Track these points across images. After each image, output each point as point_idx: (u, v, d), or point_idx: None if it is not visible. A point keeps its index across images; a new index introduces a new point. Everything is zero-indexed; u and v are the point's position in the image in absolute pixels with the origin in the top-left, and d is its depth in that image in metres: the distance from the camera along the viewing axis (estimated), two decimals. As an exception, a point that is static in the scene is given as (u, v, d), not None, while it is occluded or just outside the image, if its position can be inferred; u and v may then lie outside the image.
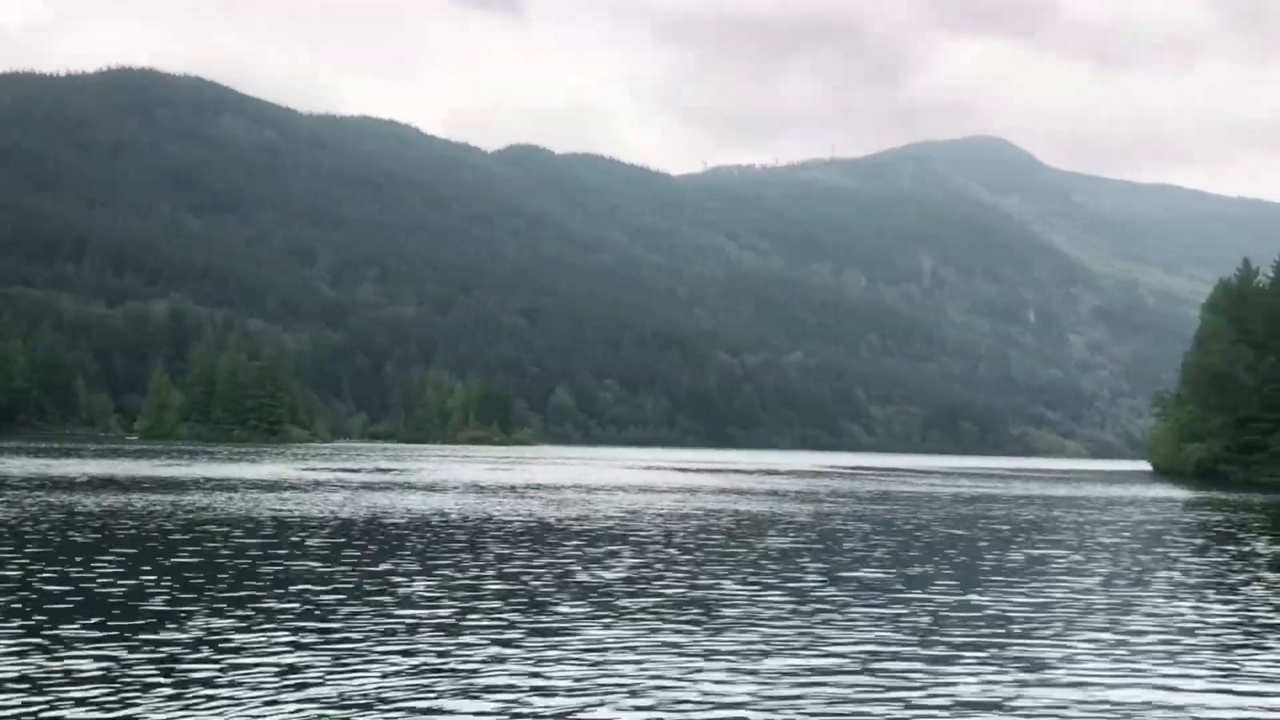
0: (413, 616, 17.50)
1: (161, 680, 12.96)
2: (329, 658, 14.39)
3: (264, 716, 11.65)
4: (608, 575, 23.47)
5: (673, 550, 29.12)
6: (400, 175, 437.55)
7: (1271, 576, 26.65)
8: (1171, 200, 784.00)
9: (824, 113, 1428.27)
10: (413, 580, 21.61)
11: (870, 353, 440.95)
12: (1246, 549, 34.14)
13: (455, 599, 19.45)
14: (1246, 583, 25.31)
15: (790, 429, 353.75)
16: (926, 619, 18.61)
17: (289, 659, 14.37)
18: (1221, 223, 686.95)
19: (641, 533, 34.07)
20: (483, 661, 14.60)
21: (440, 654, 14.80)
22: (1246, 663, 15.61)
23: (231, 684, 12.89)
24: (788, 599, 20.67)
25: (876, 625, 17.96)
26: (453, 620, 17.31)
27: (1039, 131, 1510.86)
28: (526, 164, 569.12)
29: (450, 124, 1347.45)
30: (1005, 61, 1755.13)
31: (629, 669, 14.36)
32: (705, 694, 13.19)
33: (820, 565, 26.49)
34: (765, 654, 15.43)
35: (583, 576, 23.19)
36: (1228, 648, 17.07)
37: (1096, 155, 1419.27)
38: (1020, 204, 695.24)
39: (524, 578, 22.73)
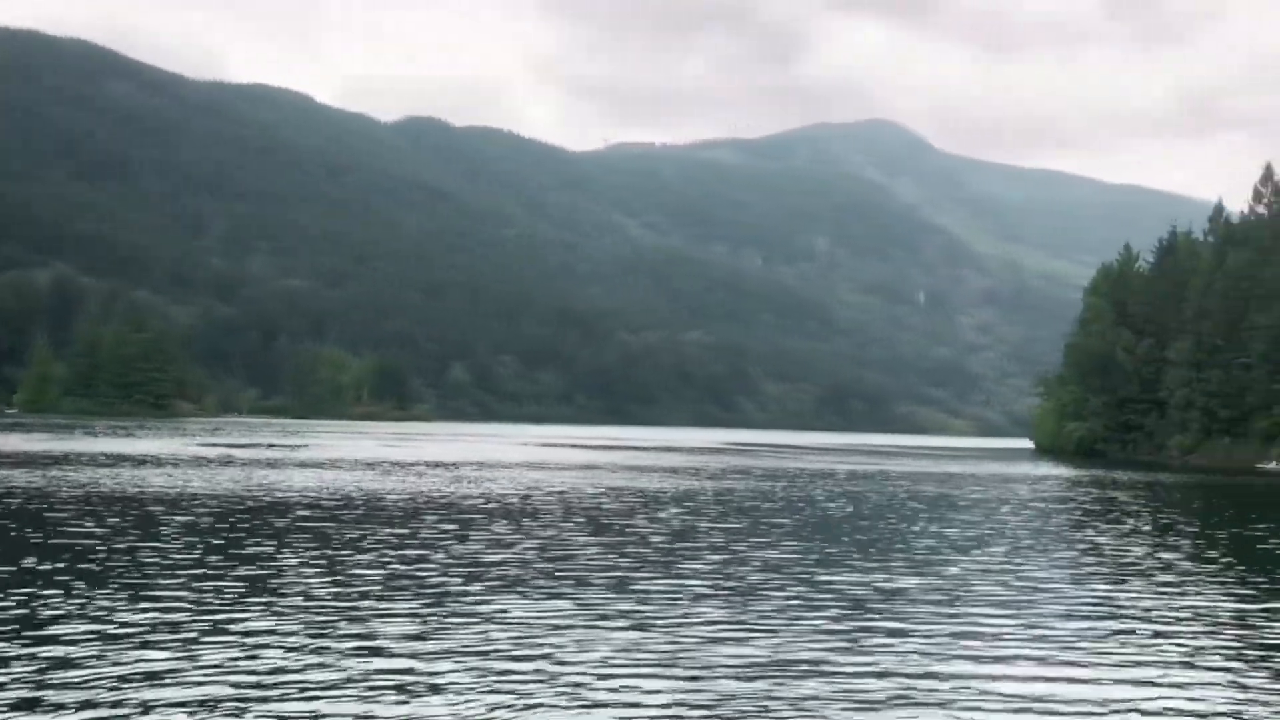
0: (299, 600, 17.24)
1: (16, 675, 12.18)
2: (210, 647, 13.95)
3: (134, 715, 11.04)
4: (506, 554, 23.63)
5: (573, 528, 29.39)
6: (294, 145, 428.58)
7: (1163, 555, 27.87)
8: (1057, 186, 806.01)
9: (720, 92, 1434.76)
10: (300, 562, 21.36)
11: (766, 331, 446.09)
12: (1130, 526, 35.62)
13: (343, 581, 19.44)
14: (1138, 561, 26.46)
15: (687, 406, 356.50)
16: (833, 598, 18.96)
17: (163, 650, 14.25)
18: (1104, 209, 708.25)
19: (541, 510, 34.29)
20: (369, 644, 14.69)
21: (323, 638, 14.58)
22: (1144, 643, 16.38)
23: (95, 678, 12.16)
24: (692, 578, 21.08)
25: (784, 604, 18.35)
26: (337, 604, 17.23)
27: (930, 115, 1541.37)
28: (424, 136, 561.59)
29: (344, 94, 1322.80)
30: (897, 45, 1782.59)
31: (530, 648, 14.60)
32: (608, 675, 13.49)
33: (724, 544, 26.97)
34: (671, 634, 15.76)
35: (480, 555, 23.32)
36: (1123, 629, 17.90)
37: (985, 140, 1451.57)
38: (912, 186, 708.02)
39: (415, 556, 22.79)
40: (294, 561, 20.95)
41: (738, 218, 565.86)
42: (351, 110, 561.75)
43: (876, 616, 17.14)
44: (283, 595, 17.40)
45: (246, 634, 14.55)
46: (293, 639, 14.35)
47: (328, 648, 13.92)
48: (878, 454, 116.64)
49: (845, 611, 17.50)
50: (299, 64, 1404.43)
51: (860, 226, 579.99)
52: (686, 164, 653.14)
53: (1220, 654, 15.30)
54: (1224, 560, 26.28)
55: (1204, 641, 16.11)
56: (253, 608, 16.27)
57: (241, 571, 19.55)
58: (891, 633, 15.89)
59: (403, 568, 20.72)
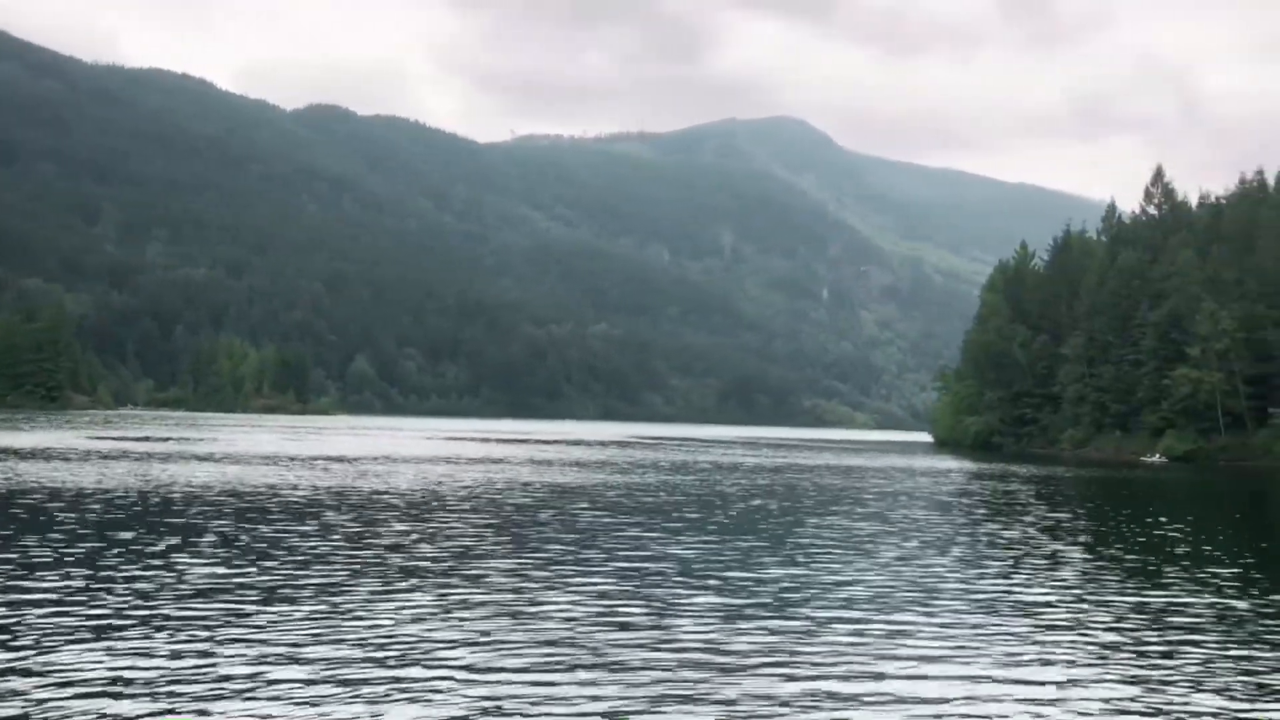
0: (191, 599, 17.01)
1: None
2: (92, 648, 13.71)
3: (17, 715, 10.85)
4: (404, 551, 23.42)
5: (477, 524, 29.23)
6: (193, 131, 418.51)
7: (1048, 547, 28.57)
8: (957, 184, 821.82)
9: (624, 86, 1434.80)
10: (192, 560, 20.96)
11: (672, 325, 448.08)
12: (1021, 519, 36.48)
13: (236, 579, 19.14)
14: (1026, 553, 27.10)
15: (593, 400, 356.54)
16: (748, 593, 19.14)
17: (48, 652, 13.92)
18: (1002, 207, 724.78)
19: (443, 506, 34.04)
20: (259, 641, 14.49)
21: (210, 638, 14.39)
22: (1044, 635, 16.80)
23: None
24: (603, 574, 21.10)
25: (695, 600, 18.46)
26: (226, 602, 16.96)
27: (833, 113, 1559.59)
28: (328, 125, 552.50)
29: (244, 80, 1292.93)
30: (799, 43, 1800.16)
31: (423, 646, 14.52)
32: (519, 671, 13.48)
33: (633, 539, 27.05)
34: (581, 628, 15.78)
35: (378, 552, 23.11)
36: (1018, 622, 18.33)
37: (888, 138, 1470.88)
38: (816, 183, 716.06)
39: (312, 554, 22.51)
40: (186, 560, 20.52)
41: (645, 212, 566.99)
42: (252, 97, 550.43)
43: (787, 612, 17.33)
44: (175, 594, 17.04)
45: (134, 633, 14.23)
46: (183, 636, 14.08)
47: (212, 650, 13.68)
48: (783, 447, 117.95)
49: (755, 607, 17.67)
50: (196, 48, 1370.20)
51: (766, 222, 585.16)
52: (594, 157, 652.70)
53: (1106, 645, 15.79)
54: (1109, 552, 27.11)
55: (1093, 633, 16.62)
56: (141, 608, 15.91)
57: (132, 571, 19.09)
58: (801, 630, 16.09)
59: (298, 567, 20.41)
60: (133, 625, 14.64)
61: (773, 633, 15.48)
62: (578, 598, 17.65)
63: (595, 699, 11.99)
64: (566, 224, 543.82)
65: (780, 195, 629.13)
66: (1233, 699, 12.85)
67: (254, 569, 19.46)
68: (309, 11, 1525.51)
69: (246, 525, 26.17)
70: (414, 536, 25.00)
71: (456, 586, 18.40)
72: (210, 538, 23.61)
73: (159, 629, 14.45)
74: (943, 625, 16.49)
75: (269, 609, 15.94)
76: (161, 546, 21.93)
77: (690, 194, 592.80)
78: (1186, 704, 12.58)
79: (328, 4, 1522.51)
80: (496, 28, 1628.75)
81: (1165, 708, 12.43)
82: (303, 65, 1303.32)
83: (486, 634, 14.81)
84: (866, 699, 12.39)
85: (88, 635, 13.96)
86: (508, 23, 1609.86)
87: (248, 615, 15.46)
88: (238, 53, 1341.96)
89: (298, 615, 15.59)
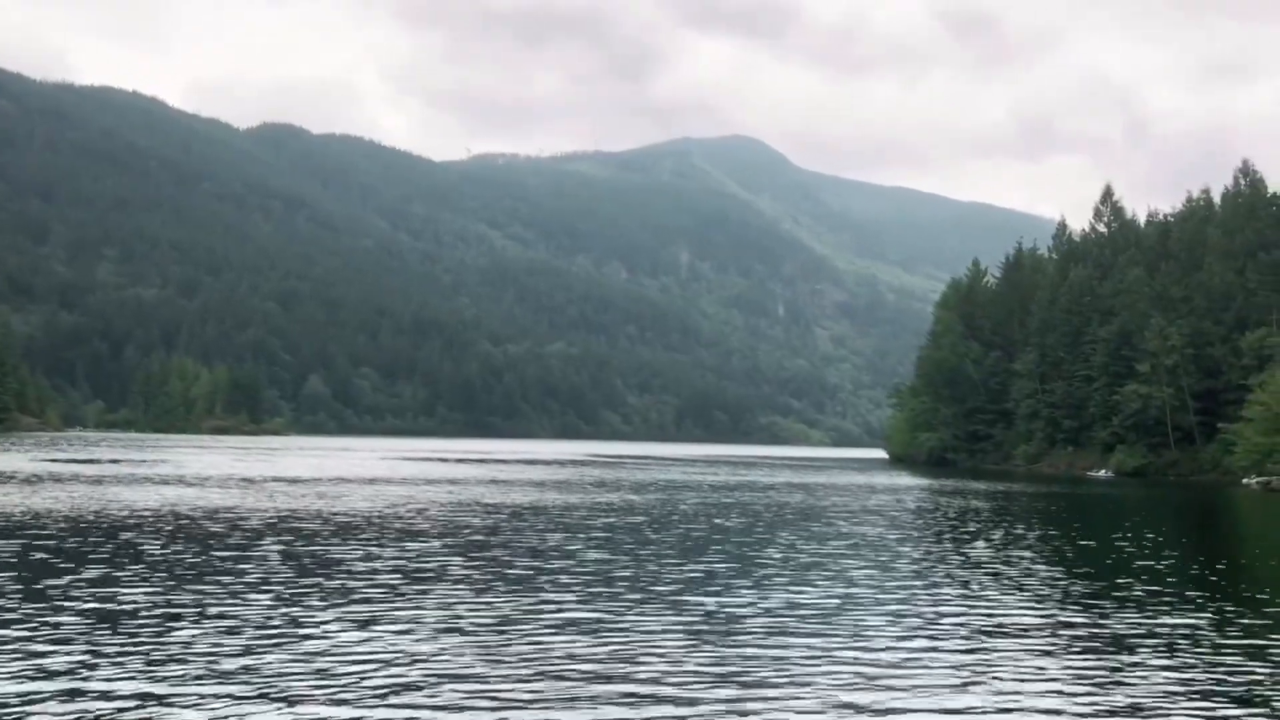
0: (134, 627, 16.81)
1: None
2: (29, 678, 13.65)
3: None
4: (355, 575, 23.26)
5: (430, 546, 29.07)
6: (145, 150, 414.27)
7: (1017, 564, 28.82)
8: (909, 203, 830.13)
9: (577, 106, 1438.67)
10: (138, 587, 20.74)
11: (629, 343, 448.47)
12: (993, 535, 36.80)
13: (176, 604, 18.92)
14: (998, 569, 27.30)
15: (550, 418, 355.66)
16: (713, 615, 19.04)
17: None
18: (954, 225, 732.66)
19: (396, 528, 33.82)
20: (202, 668, 14.34)
21: (150, 663, 14.25)
22: (1009, 656, 16.93)
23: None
24: (566, 596, 21.04)
25: (656, 624, 18.42)
26: (170, 630, 16.80)
27: (787, 132, 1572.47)
28: (281, 143, 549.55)
29: (196, 98, 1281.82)
30: (751, 63, 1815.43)
31: (374, 675, 14.42)
32: (475, 695, 13.42)
33: (595, 560, 26.99)
34: (542, 651, 15.71)
35: (328, 576, 22.92)
36: (978, 641, 18.45)
37: (841, 157, 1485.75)
38: (771, 202, 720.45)
39: (261, 578, 22.29)
40: (125, 584, 20.23)
41: (602, 230, 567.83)
42: (204, 115, 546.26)
43: (752, 634, 17.33)
44: (111, 620, 16.79)
45: (70, 660, 14.03)
46: (118, 662, 13.89)
47: (149, 672, 13.51)
48: (742, 465, 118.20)
49: (719, 629, 17.67)
50: (146, 66, 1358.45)
51: (722, 240, 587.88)
52: (551, 176, 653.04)
53: (1069, 664, 15.94)
54: (1070, 569, 27.39)
55: (1036, 650, 16.77)
56: (85, 635, 15.68)
57: (76, 594, 18.80)
58: (766, 653, 16.11)
59: (241, 591, 20.18)
60: (69, 652, 14.40)
61: (737, 654, 15.48)
62: (538, 621, 17.57)
63: (548, 721, 11.93)
64: (523, 242, 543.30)
65: (736, 213, 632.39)
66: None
67: (194, 593, 19.20)
68: (260, 30, 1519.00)
69: (187, 549, 25.83)
70: (364, 560, 24.79)
71: (410, 612, 18.26)
72: (150, 562, 23.27)
73: (95, 654, 14.24)
74: (906, 644, 16.56)
75: (207, 634, 15.73)
76: (96, 572, 21.53)
77: (647, 212, 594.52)
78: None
79: (278, 23, 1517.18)
80: (449, 47, 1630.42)
81: (1114, 722, 12.56)
82: (254, 83, 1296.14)
83: (441, 659, 14.70)
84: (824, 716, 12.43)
85: (18, 665, 13.73)
86: (460, 42, 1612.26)
87: (182, 640, 15.25)
88: (189, 71, 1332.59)
89: (238, 641, 15.40)
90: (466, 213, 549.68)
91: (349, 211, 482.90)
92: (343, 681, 13.28)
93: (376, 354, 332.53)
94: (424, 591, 20.11)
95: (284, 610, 17.76)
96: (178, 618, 16.87)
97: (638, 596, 20.18)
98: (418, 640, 15.70)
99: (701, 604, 19.53)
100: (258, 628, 16.25)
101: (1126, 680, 14.47)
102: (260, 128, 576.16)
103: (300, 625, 16.55)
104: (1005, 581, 23.82)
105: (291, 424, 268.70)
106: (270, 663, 14.08)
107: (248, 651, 14.66)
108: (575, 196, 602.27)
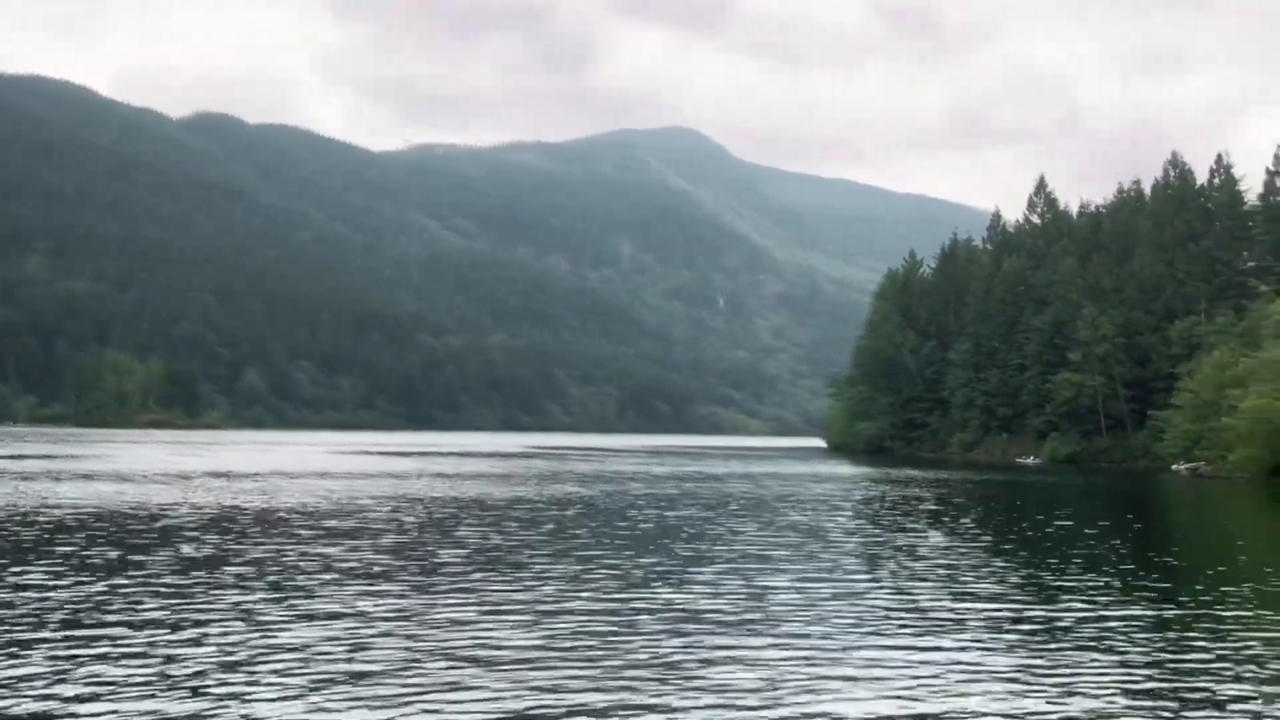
0: (51, 623, 16.65)
1: None
2: None
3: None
4: (286, 571, 23.21)
5: (365, 542, 29.00)
6: (77, 140, 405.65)
7: (956, 551, 29.33)
8: (848, 195, 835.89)
9: (515, 96, 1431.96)
10: (58, 582, 20.52)
11: (572, 335, 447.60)
12: (931, 522, 37.38)
13: (97, 600, 18.82)
14: (937, 557, 27.80)
15: (492, 410, 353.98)
16: (667, 607, 19.20)
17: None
18: (892, 217, 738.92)
19: (328, 523, 33.68)
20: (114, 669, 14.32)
21: (73, 660, 14.20)
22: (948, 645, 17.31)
23: None
24: (513, 591, 21.12)
25: (607, 621, 18.52)
26: (90, 627, 16.68)
27: (727, 124, 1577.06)
28: (217, 133, 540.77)
29: (126, 87, 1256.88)
30: (690, 54, 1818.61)
31: (301, 673, 14.46)
32: (417, 690, 13.52)
33: (545, 554, 27.08)
34: (490, 647, 15.79)
35: (260, 573, 22.86)
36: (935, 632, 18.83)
37: (780, 149, 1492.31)
38: (712, 194, 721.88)
39: (188, 574, 22.18)
40: (46, 582, 20.08)
41: (544, 221, 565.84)
42: (138, 105, 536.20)
43: (706, 625, 17.58)
44: (34, 618, 16.70)
45: None
46: (40, 661, 13.86)
47: (74, 672, 13.49)
48: (685, 455, 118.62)
49: (671, 621, 17.90)
50: (76, 54, 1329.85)
51: (664, 232, 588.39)
52: (492, 166, 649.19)
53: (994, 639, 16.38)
54: (992, 556, 28.00)
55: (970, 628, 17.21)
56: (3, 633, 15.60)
57: None
58: (720, 642, 16.36)
59: (166, 588, 20.11)
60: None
61: (692, 644, 15.70)
62: (485, 616, 17.70)
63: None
64: (464, 234, 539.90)
65: (678, 205, 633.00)
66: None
67: (118, 590, 19.10)
68: (189, 18, 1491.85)
69: (113, 545, 25.61)
70: (297, 556, 24.73)
71: (346, 611, 18.31)
72: (73, 558, 23.06)
73: (20, 651, 14.18)
74: (853, 631, 16.92)
75: (129, 631, 15.67)
76: (19, 569, 21.34)
77: (589, 204, 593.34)
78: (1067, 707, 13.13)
79: (207, 11, 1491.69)
80: (381, 37, 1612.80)
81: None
82: (185, 73, 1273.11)
83: (383, 657, 14.80)
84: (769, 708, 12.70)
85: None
86: (392, 32, 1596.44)
87: (103, 638, 15.21)
88: (117, 60, 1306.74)
89: (163, 639, 15.40)
90: (407, 204, 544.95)
91: (287, 203, 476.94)
92: (268, 674, 13.35)
93: (315, 347, 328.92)
94: (362, 587, 20.14)
95: (210, 607, 17.74)
96: (97, 614, 16.80)
97: (589, 589, 20.37)
98: (355, 633, 15.78)
99: (652, 595, 19.75)
100: (186, 625, 16.23)
101: (1059, 665, 14.92)
102: (194, 118, 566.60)
103: (229, 621, 16.56)
104: (945, 569, 24.33)
105: (228, 418, 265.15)
106: (195, 656, 14.10)
107: (175, 646, 14.67)
108: (517, 187, 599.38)
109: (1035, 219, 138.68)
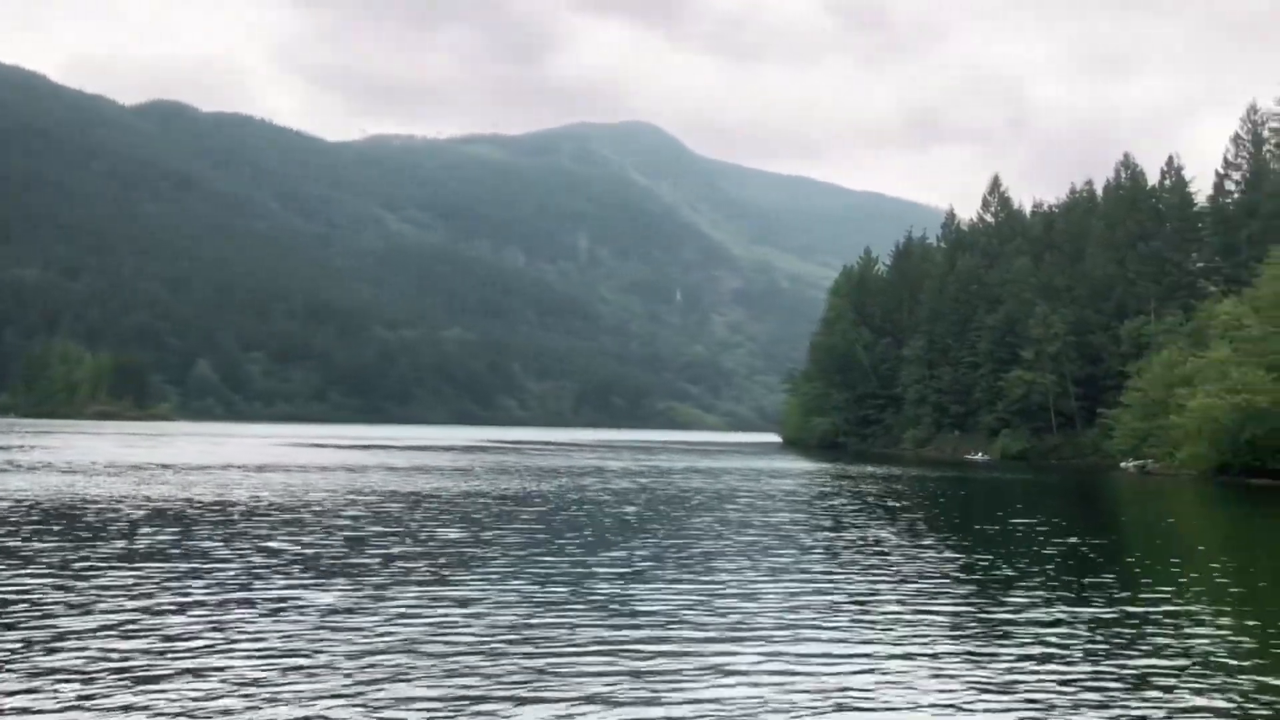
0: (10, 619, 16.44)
1: None
2: None
3: None
4: (226, 569, 22.96)
5: (312, 537, 28.75)
6: (28, 127, 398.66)
7: (904, 547, 29.43)
8: (804, 191, 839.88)
9: (469, 88, 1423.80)
10: (8, 577, 20.21)
11: (528, 328, 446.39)
12: (885, 519, 37.55)
13: (37, 596, 18.51)
14: (889, 553, 27.88)
15: (446, 404, 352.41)
16: (626, 606, 19.13)
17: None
18: (847, 214, 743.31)
19: (277, 518, 33.33)
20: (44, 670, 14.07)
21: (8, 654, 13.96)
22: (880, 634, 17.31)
23: None
24: (471, 589, 20.96)
25: (566, 613, 18.46)
26: (27, 624, 16.45)
27: (684, 119, 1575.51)
28: (169, 121, 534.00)
29: (77, 74, 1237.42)
30: (645, 48, 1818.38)
31: (247, 673, 14.28)
32: (358, 682, 13.37)
33: (503, 551, 26.92)
34: (445, 647, 15.63)
35: (204, 569, 22.58)
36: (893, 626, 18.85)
37: (737, 145, 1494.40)
38: (670, 188, 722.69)
39: (131, 570, 21.89)
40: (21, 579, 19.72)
41: (500, 214, 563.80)
42: (90, 91, 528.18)
43: (664, 622, 17.52)
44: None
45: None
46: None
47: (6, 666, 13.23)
48: (642, 450, 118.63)
49: (632, 618, 17.81)
50: (26, 39, 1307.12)
51: (622, 226, 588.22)
52: (448, 158, 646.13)
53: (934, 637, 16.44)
54: (941, 554, 28.17)
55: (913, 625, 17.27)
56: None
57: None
58: (682, 643, 16.29)
59: (111, 584, 19.80)
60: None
61: (645, 637, 15.65)
62: (442, 616, 17.53)
63: None
64: (420, 225, 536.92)
65: (635, 200, 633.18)
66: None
67: (59, 584, 18.78)
68: (142, 4, 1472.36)
69: (56, 539, 25.19)
70: (248, 549, 24.43)
71: (292, 605, 18.09)
72: (16, 554, 22.67)
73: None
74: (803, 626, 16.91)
75: (64, 626, 15.39)
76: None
77: (546, 197, 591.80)
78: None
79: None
80: (335, 26, 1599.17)
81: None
82: (138, 60, 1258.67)
83: (326, 650, 14.62)
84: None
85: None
86: (346, 21, 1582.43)
87: (46, 629, 14.94)
88: (71, 46, 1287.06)
89: (104, 631, 15.14)
90: (362, 195, 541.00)
91: (240, 192, 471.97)
92: (213, 667, 13.15)
93: (267, 338, 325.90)
94: (311, 581, 19.91)
95: (152, 602, 17.47)
96: (39, 608, 16.50)
97: (537, 583, 20.25)
98: (300, 628, 15.58)
99: (601, 590, 19.68)
100: (129, 618, 15.98)
101: (1001, 661, 14.99)
102: (147, 105, 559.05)
103: (170, 614, 16.31)
104: (893, 565, 24.42)
105: (179, 409, 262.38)
106: (134, 650, 13.87)
107: (116, 638, 14.43)
108: (473, 180, 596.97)
109: (989, 218, 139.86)
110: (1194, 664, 14.77)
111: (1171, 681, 13.76)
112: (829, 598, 19.36)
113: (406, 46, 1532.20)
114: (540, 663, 13.83)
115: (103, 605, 16.73)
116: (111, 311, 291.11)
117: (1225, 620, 18.16)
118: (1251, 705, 12.82)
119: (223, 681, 12.56)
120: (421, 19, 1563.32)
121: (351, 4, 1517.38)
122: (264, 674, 12.95)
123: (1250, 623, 18.05)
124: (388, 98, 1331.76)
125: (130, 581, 18.97)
